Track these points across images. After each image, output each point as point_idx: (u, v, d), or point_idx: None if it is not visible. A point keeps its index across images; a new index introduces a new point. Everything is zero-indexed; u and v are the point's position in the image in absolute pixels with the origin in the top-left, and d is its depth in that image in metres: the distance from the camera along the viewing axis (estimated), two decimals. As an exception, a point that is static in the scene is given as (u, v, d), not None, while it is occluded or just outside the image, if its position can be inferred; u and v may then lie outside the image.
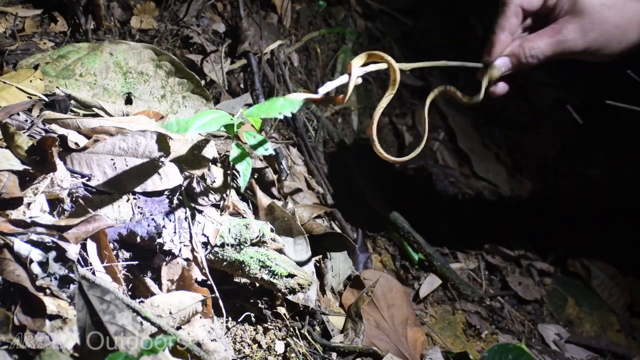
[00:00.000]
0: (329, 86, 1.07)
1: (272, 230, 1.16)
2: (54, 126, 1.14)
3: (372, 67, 1.17)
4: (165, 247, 1.05)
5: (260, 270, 1.13)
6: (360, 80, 1.13)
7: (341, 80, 1.10)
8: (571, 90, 2.42)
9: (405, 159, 1.26)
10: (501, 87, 1.35)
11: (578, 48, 1.26)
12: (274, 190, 1.44)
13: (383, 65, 1.18)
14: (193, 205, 1.13)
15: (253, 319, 1.19)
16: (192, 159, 1.16)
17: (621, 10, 1.24)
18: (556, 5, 1.29)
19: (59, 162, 1.02)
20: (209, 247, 1.10)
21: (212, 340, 1.02)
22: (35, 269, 0.85)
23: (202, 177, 1.18)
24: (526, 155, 2.49)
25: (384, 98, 1.19)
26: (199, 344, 0.99)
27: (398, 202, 1.71)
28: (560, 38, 1.25)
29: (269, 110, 1.06)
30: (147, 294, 1.05)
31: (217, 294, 1.08)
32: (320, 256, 1.41)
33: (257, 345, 1.16)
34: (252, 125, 1.15)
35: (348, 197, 1.72)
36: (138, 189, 1.10)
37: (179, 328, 1.02)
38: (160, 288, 1.07)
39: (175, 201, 1.11)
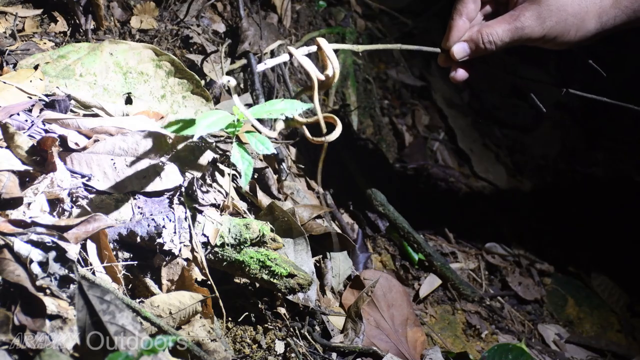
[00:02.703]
0: (269, 63, 1.11)
1: (272, 230, 1.16)
2: (54, 126, 1.14)
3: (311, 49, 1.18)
4: (165, 247, 1.05)
5: (260, 270, 1.13)
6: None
7: (282, 58, 1.14)
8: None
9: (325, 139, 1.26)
10: (461, 74, 1.34)
11: (536, 35, 1.26)
12: (274, 190, 1.44)
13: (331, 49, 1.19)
14: (193, 205, 1.13)
15: (253, 319, 1.19)
16: (192, 159, 1.17)
17: None
18: None
19: (59, 162, 1.02)
20: (209, 247, 1.10)
21: (212, 340, 1.02)
22: (35, 269, 0.85)
23: (202, 177, 1.18)
24: (526, 155, 2.49)
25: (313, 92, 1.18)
26: (199, 344, 0.99)
27: (398, 202, 1.71)
28: (518, 25, 1.25)
29: (270, 111, 1.09)
30: (147, 294, 1.05)
31: (217, 294, 1.08)
32: (320, 256, 1.41)
33: (257, 345, 1.16)
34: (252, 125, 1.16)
35: (347, 197, 1.72)
36: (138, 189, 1.10)
37: (179, 328, 1.02)
38: (160, 288, 1.07)
39: (175, 201, 1.11)
